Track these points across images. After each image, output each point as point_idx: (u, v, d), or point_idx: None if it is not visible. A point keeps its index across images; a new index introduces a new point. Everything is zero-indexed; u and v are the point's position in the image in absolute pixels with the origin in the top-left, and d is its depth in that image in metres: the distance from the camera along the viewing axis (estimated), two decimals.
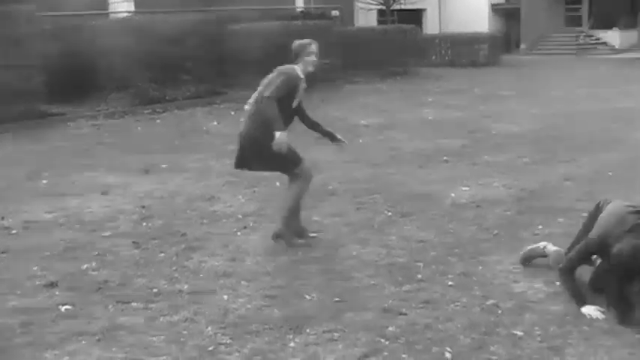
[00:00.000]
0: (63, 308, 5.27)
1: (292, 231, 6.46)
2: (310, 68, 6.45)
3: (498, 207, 7.57)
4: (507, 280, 5.54)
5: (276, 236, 6.40)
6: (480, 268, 5.80)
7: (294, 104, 6.38)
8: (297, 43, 6.53)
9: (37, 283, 5.85)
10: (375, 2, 34.29)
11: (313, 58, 6.45)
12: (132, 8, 28.19)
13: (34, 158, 11.89)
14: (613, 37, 38.70)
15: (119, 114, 17.45)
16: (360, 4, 35.47)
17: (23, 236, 7.27)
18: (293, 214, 6.47)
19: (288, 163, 6.33)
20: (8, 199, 8.89)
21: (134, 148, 12.49)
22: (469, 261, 5.97)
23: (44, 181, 9.92)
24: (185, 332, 4.80)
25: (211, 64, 20.17)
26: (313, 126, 6.73)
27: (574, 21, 41.58)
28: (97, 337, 4.77)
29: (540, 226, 6.85)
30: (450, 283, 5.49)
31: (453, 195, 8.15)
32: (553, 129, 12.62)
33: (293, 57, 6.45)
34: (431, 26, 41.35)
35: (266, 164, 6.48)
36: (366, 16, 36.02)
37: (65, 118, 16.78)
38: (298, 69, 6.40)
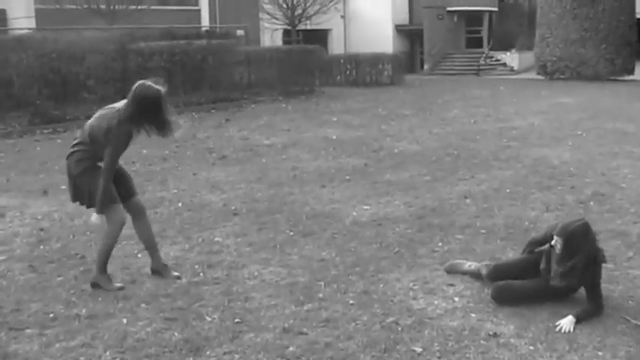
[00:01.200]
0: None
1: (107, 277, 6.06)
2: None
3: (399, 225, 7.68)
4: (407, 297, 5.62)
5: (93, 284, 6.02)
6: (381, 286, 5.87)
7: None
8: None
9: None
10: (280, 22, 34.51)
11: None
12: (32, 25, 27.60)
13: None
14: (512, 58, 40.01)
15: (17, 133, 16.96)
16: (265, 24, 35.65)
17: None
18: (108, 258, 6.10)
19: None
20: None
21: (33, 168, 12.15)
22: (370, 279, 6.03)
23: None
24: (82, 358, 4.69)
25: (113, 82, 19.86)
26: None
27: (475, 42, 42.92)
28: None
29: (440, 243, 6.99)
30: (350, 301, 5.53)
31: (354, 214, 8.23)
32: (453, 147, 12.91)
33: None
34: (336, 46, 41.87)
35: None
36: (271, 36, 36.22)
37: None
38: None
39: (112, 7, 26.88)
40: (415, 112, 19.22)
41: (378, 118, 17.90)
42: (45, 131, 17.16)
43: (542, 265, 5.50)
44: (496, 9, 43.10)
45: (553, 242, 5.35)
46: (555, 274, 5.34)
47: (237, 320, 5.21)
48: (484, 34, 43.27)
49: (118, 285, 5.97)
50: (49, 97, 18.29)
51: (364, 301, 5.53)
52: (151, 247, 6.26)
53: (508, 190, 9.29)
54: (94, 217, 5.89)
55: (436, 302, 5.50)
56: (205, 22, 34.75)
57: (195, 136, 15.37)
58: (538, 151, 12.29)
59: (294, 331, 5.01)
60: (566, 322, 5.06)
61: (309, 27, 36.08)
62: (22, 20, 28.50)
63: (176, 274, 6.20)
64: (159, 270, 6.22)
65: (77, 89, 18.87)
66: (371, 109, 20.22)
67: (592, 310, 5.23)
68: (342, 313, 5.30)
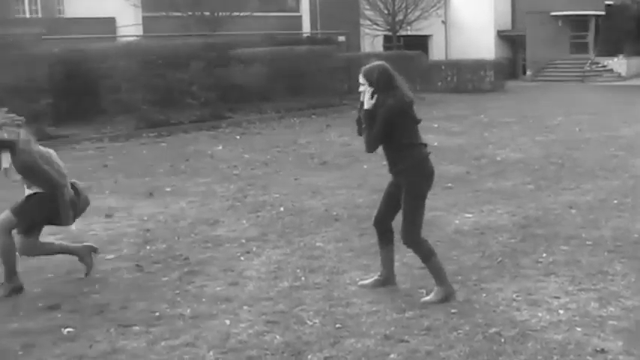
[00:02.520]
0: (65, 331, 5.27)
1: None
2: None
3: (502, 234, 7.55)
4: (510, 308, 5.51)
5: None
6: (483, 295, 5.78)
7: None
8: None
9: (40, 305, 5.85)
10: (381, 28, 34.47)
11: None
12: (140, 32, 28.40)
13: None
14: (619, 64, 38.83)
15: (124, 137, 17.52)
16: (366, 30, 35.66)
17: (27, 258, 7.26)
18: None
19: None
20: None
21: (138, 171, 12.52)
22: (472, 288, 5.95)
23: None
24: (186, 357, 4.79)
25: (216, 88, 20.27)
26: None
27: (580, 48, 41.75)
28: None
29: (544, 254, 6.83)
30: (452, 310, 5.46)
31: (456, 222, 8.14)
32: (557, 156, 12.62)
33: None
34: (437, 52, 41.54)
35: None
36: (372, 42, 36.20)
37: (70, 140, 16.86)
38: None
39: (215, 14, 27.37)
40: (517, 120, 18.90)
41: (479, 126, 17.69)
42: (150, 135, 17.67)
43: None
44: (603, 13, 41.84)
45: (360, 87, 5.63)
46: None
47: (338, 325, 5.22)
48: (590, 39, 42.08)
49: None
50: (154, 103, 18.83)
51: (466, 311, 5.46)
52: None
53: (615, 201, 9.01)
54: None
55: (540, 314, 5.37)
56: (306, 28, 35.02)
57: (296, 141, 15.54)
58: None
59: (395, 338, 4.98)
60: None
61: (409, 33, 35.89)
62: (130, 28, 29.36)
63: None
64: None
65: (181, 95, 19.35)
66: (472, 116, 19.99)
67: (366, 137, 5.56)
68: (444, 322, 5.24)
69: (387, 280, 6.00)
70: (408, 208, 5.61)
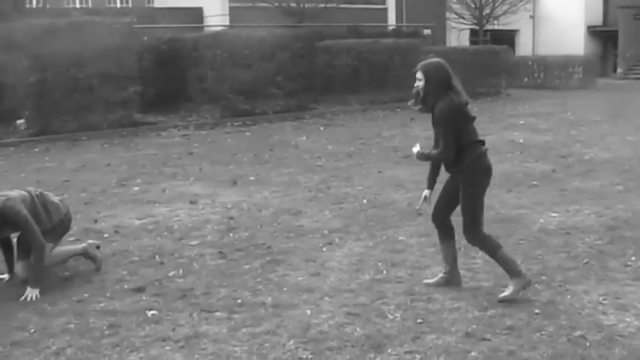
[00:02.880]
0: (149, 313, 5.40)
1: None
2: None
3: (588, 235, 7.37)
4: (596, 311, 5.38)
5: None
6: (568, 297, 5.65)
7: None
8: None
9: (126, 287, 6.01)
10: (467, 22, 34.06)
11: None
12: (227, 22, 28.75)
13: (127, 165, 12.22)
14: None
15: (209, 125, 17.78)
16: (452, 24, 35.30)
17: (114, 240, 7.47)
18: None
19: None
20: (101, 204, 9.16)
21: (223, 159, 12.69)
22: (556, 289, 5.82)
23: (135, 188, 10.18)
24: (267, 344, 4.83)
25: (301, 79, 20.36)
26: None
27: None
28: (180, 344, 4.86)
29: (633, 258, 6.63)
30: (536, 310, 5.36)
31: (541, 220, 7.99)
32: None
33: None
34: (524, 47, 40.83)
35: None
36: (458, 36, 35.82)
37: (157, 128, 17.22)
38: None
39: (301, 6, 27.49)
40: (607, 118, 18.41)
41: (566, 123, 17.31)
42: (235, 124, 17.90)
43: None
44: None
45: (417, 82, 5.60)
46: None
47: (419, 320, 5.19)
48: None
49: None
50: (239, 92, 19.03)
51: (550, 312, 5.35)
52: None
53: None
54: None
55: (628, 320, 5.21)
56: (392, 21, 34.85)
57: (380, 134, 15.50)
58: None
59: (477, 336, 4.92)
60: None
61: (496, 27, 35.38)
62: (217, 18, 29.73)
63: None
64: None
65: (266, 85, 19.50)
66: (559, 114, 19.58)
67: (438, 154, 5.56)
68: (527, 322, 5.15)
69: (451, 278, 5.91)
70: (467, 206, 5.58)
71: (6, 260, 6.42)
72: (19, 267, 6.19)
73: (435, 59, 5.73)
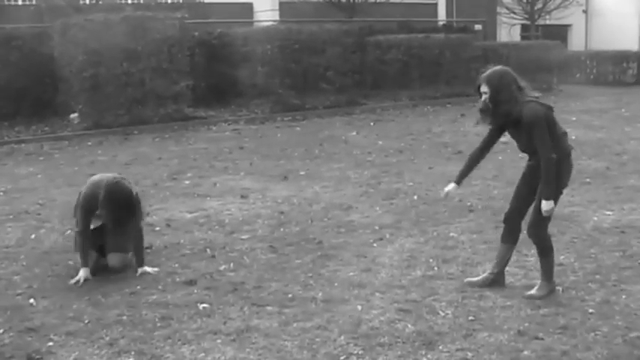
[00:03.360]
0: (200, 306, 5.44)
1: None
2: None
3: None
4: None
5: None
6: (623, 297, 5.56)
7: None
8: None
9: (177, 280, 6.07)
10: (518, 17, 33.67)
11: None
12: (276, 17, 28.84)
13: (178, 159, 12.34)
14: None
15: (260, 120, 17.86)
16: (503, 19, 34.93)
17: (165, 234, 7.55)
18: None
19: None
20: (153, 197, 9.26)
21: (273, 153, 12.74)
22: (611, 289, 5.73)
23: (186, 182, 10.28)
24: (317, 339, 4.84)
25: (351, 74, 20.33)
26: None
27: None
28: (231, 337, 4.90)
29: None
30: (590, 310, 5.29)
31: (595, 219, 7.86)
32: None
33: None
34: (576, 43, 40.18)
35: None
36: (509, 31, 35.42)
37: (207, 122, 17.35)
38: None
39: (351, 1, 27.46)
40: None
41: (620, 120, 17.01)
42: (285, 119, 17.94)
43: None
44: None
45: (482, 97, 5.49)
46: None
47: (470, 318, 5.15)
48: None
49: None
50: (289, 87, 19.07)
51: (604, 312, 5.27)
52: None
53: None
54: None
55: None
56: (442, 16, 34.60)
57: (430, 130, 15.41)
58: None
59: (530, 334, 4.87)
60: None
61: (548, 22, 34.90)
62: (267, 13, 29.83)
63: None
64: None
65: (316, 80, 19.50)
66: (613, 110, 19.24)
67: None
68: (580, 322, 5.08)
69: (497, 280, 5.82)
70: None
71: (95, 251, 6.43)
72: (115, 258, 6.30)
73: (495, 67, 5.58)
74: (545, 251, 5.62)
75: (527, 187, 5.66)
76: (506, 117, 5.46)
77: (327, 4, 27.65)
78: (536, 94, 5.57)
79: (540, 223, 5.51)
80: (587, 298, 5.53)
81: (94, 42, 15.91)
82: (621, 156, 11.95)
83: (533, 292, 5.57)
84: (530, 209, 5.59)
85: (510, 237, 5.81)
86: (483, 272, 6.03)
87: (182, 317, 5.25)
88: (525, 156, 5.76)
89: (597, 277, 6.00)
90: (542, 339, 4.81)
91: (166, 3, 30.91)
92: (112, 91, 16.25)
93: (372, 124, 16.83)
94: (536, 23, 33.81)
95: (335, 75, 19.71)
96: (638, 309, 5.32)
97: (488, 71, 5.53)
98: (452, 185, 5.87)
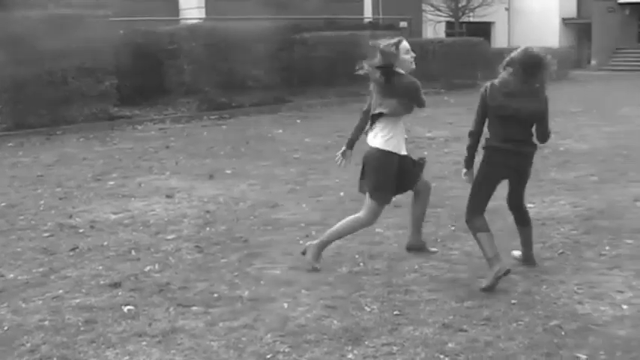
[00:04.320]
0: (125, 308, 5.36)
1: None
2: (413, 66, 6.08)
3: (564, 226, 7.42)
4: (571, 300, 5.42)
5: (303, 252, 6.32)
6: (544, 287, 5.69)
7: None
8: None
9: (102, 282, 5.96)
10: (443, 14, 34.14)
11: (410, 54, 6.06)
12: (203, 15, 28.61)
13: (102, 159, 12.14)
14: None
15: (186, 118, 17.71)
16: (429, 16, 35.37)
17: (89, 235, 7.42)
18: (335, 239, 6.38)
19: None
20: (76, 199, 9.10)
21: (200, 152, 12.64)
22: (533, 279, 5.86)
23: (111, 182, 10.12)
24: (244, 338, 4.82)
25: (278, 72, 20.32)
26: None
27: None
28: (157, 339, 4.83)
29: (608, 247, 6.69)
30: (512, 301, 5.39)
31: None
32: (624, 147, 12.34)
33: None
34: (500, 39, 41.00)
35: None
36: (434, 28, 35.90)
37: (133, 121, 17.14)
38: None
39: None
40: (582, 110, 18.55)
41: None
42: (212, 117, 17.85)
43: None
44: None
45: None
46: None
47: (396, 312, 5.19)
48: None
49: (317, 266, 6.16)
50: (216, 85, 18.97)
51: (526, 302, 5.38)
52: (416, 226, 6.49)
53: None
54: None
55: (603, 309, 5.26)
56: (368, 13, 34.84)
57: None
58: None
59: (454, 327, 4.94)
60: None
61: (472, 19, 35.48)
62: (194, 10, 29.57)
63: (433, 249, 6.58)
64: (415, 247, 6.52)
65: (243, 78, 19.45)
66: None
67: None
68: (504, 313, 5.18)
69: (526, 260, 6.22)
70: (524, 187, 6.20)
71: None
72: None
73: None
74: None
75: (501, 176, 6.24)
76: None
77: (253, 1, 27.54)
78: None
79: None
80: (511, 290, 5.63)
81: (13, 40, 15.51)
82: (542, 150, 12.11)
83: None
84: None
85: (517, 220, 6.32)
86: (408, 267, 6.11)
87: (106, 320, 5.16)
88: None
89: (520, 268, 6.12)
90: (466, 331, 4.88)
91: (90, 0, 30.33)
92: (34, 91, 15.88)
93: (299, 121, 16.86)
94: (461, 20, 34.34)
95: (262, 73, 19.69)
96: (558, 298, 5.45)
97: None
98: (466, 171, 6.28)
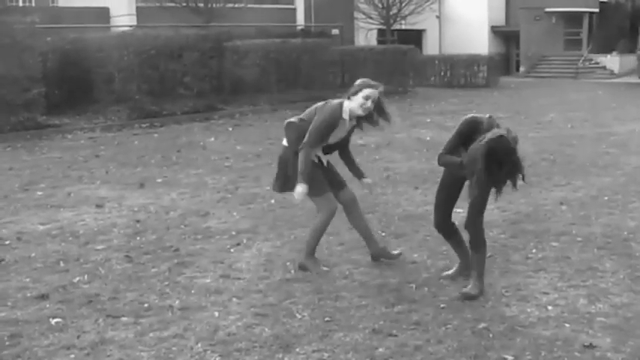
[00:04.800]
0: (53, 321, 5.26)
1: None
2: (360, 112, 6.11)
3: (492, 230, 7.54)
4: (499, 303, 5.53)
5: (300, 266, 6.36)
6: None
7: (332, 141, 6.26)
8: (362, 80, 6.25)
9: (28, 294, 5.84)
10: (375, 22, 34.46)
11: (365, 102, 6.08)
12: (134, 22, 28.34)
13: (30, 169, 11.90)
14: (612, 61, 38.95)
15: (116, 127, 17.48)
16: (360, 24, 35.66)
17: (16, 247, 7.26)
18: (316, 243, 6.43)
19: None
20: (2, 210, 8.89)
21: (130, 161, 12.49)
22: (461, 283, 5.93)
23: (39, 193, 9.92)
24: (174, 348, 4.78)
25: (209, 79, 20.24)
26: (347, 162, 6.59)
27: (573, 44, 41.89)
28: (85, 351, 4.76)
29: (534, 250, 6.85)
30: (441, 305, 5.47)
31: None
32: (549, 152, 12.65)
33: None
34: (431, 47, 41.58)
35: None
36: (366, 36, 36.21)
37: (62, 130, 16.83)
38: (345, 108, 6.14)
39: (209, 6, 27.34)
40: (510, 115, 18.90)
41: None
42: (143, 125, 17.65)
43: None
44: (597, 10, 41.96)
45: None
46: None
47: (327, 319, 5.22)
48: (583, 35, 42.20)
49: (325, 268, 6.29)
50: (147, 93, 18.81)
51: (455, 306, 5.47)
52: (367, 236, 6.51)
53: (606, 198, 9.03)
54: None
55: (529, 310, 5.38)
56: (300, 21, 35.00)
57: None
58: (638, 159, 11.91)
59: (384, 332, 4.98)
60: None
61: (403, 27, 35.90)
62: (124, 18, 29.29)
63: (396, 252, 6.61)
64: (378, 254, 6.51)
65: (174, 86, 19.34)
66: (465, 111, 19.89)
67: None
68: (433, 317, 5.25)
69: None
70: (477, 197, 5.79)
71: None
72: None
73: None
74: (478, 245, 5.77)
75: (445, 192, 6.04)
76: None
77: (184, 9, 27.41)
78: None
79: (475, 218, 5.79)
80: (439, 294, 5.72)
81: None
82: None
83: (466, 289, 5.67)
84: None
85: (452, 237, 6.14)
86: (339, 274, 6.15)
87: (33, 334, 5.05)
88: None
89: (449, 272, 6.19)
90: (396, 335, 4.93)
91: (17, 6, 29.76)
92: None
93: (230, 129, 16.80)
94: (392, 28, 34.71)
95: (193, 80, 19.60)
96: (486, 301, 5.55)
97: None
98: None
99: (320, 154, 6.31)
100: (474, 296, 5.60)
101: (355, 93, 6.09)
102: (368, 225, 6.62)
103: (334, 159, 6.52)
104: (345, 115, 6.11)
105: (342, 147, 6.46)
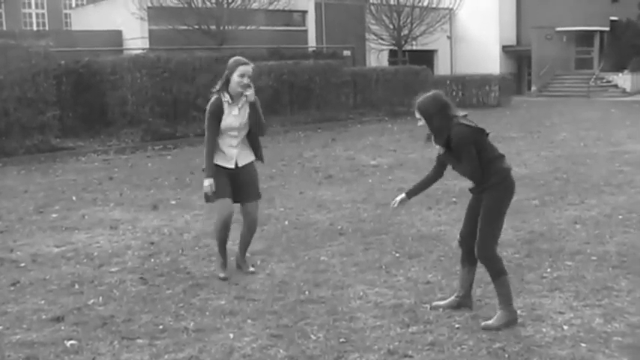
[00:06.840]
0: (68, 343, 5.27)
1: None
2: (239, 89, 6.61)
3: (506, 249, 7.52)
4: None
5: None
6: (487, 311, 5.76)
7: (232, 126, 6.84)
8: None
9: (43, 317, 5.86)
10: (386, 43, 34.56)
11: (241, 80, 6.56)
12: (146, 45, 28.53)
13: (45, 191, 11.97)
14: (624, 79, 38.89)
15: (130, 149, 17.57)
16: (372, 45, 35.78)
17: (31, 269, 7.29)
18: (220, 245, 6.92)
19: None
20: (18, 232, 8.94)
21: (144, 183, 12.55)
22: (476, 303, 5.92)
23: (54, 215, 9.97)
24: None
25: None
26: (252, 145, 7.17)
27: (585, 63, 41.90)
28: None
29: (549, 269, 6.82)
30: (456, 325, 5.45)
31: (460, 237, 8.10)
32: (562, 171, 12.62)
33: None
34: (442, 67, 41.64)
35: None
36: (377, 57, 36.32)
37: (76, 153, 16.94)
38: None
39: (222, 28, 27.51)
40: (523, 135, 18.90)
41: None
42: (156, 147, 17.73)
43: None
44: (608, 29, 41.98)
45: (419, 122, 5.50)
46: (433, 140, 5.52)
47: (342, 340, 5.21)
48: (595, 54, 42.22)
49: (223, 275, 6.69)
50: (160, 115, 18.92)
51: (470, 326, 5.44)
52: (240, 248, 7.07)
53: (620, 217, 8.99)
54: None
55: (544, 330, 5.35)
56: (312, 42, 35.14)
57: (301, 155, 15.54)
58: None
59: (399, 353, 4.97)
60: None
61: (415, 48, 36.01)
62: (137, 41, 29.50)
63: (252, 269, 6.93)
64: (238, 265, 7.03)
65: (187, 108, 19.42)
66: None
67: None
68: (448, 337, 5.23)
69: (463, 302, 5.83)
70: (488, 222, 5.54)
71: None
72: None
73: (427, 93, 5.55)
74: (497, 274, 5.55)
75: (474, 210, 5.68)
76: (444, 141, 5.46)
77: (196, 31, 27.58)
78: (464, 114, 5.62)
79: (486, 244, 5.55)
80: (454, 314, 5.69)
81: None
82: None
83: (490, 322, 5.44)
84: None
85: (468, 259, 5.81)
86: (353, 294, 6.13)
87: (48, 356, 5.06)
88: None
89: (463, 292, 6.18)
90: (411, 356, 4.91)
91: (31, 30, 30.05)
92: None
93: None
94: (404, 49, 34.81)
95: (205, 102, 19.63)
96: None
97: (420, 97, 5.50)
98: (402, 195, 5.96)
99: (228, 148, 7.01)
100: (497, 328, 5.39)
101: (230, 74, 6.59)
102: (249, 242, 7.09)
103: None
104: (226, 99, 6.71)
105: (252, 134, 7.15)
